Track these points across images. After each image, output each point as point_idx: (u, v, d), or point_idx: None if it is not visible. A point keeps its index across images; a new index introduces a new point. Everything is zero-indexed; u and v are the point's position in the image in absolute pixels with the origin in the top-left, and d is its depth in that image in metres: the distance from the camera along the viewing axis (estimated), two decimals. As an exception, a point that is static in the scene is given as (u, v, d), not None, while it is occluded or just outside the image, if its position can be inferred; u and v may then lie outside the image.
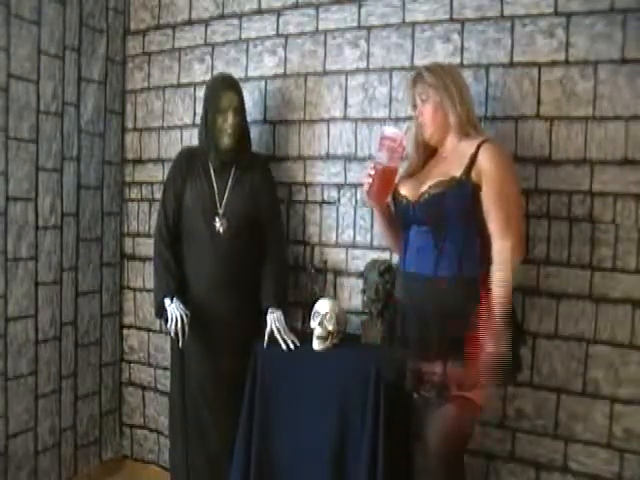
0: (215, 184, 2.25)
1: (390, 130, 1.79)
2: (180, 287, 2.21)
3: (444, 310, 1.67)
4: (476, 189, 1.67)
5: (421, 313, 1.71)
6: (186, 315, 2.13)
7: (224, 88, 2.22)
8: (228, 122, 2.20)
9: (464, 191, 1.67)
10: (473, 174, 1.67)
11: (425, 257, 1.72)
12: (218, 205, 2.23)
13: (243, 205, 2.23)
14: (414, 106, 1.85)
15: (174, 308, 2.13)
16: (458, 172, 1.68)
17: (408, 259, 1.78)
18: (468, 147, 1.71)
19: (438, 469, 1.73)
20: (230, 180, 2.25)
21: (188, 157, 2.30)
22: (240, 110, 2.24)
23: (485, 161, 1.67)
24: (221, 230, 2.21)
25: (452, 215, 1.69)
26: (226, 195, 2.24)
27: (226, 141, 2.22)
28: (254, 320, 2.25)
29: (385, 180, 1.80)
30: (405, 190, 1.81)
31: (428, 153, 1.88)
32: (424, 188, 1.73)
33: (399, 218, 1.85)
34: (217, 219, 2.21)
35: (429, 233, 1.72)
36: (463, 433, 1.75)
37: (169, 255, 2.23)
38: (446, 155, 1.80)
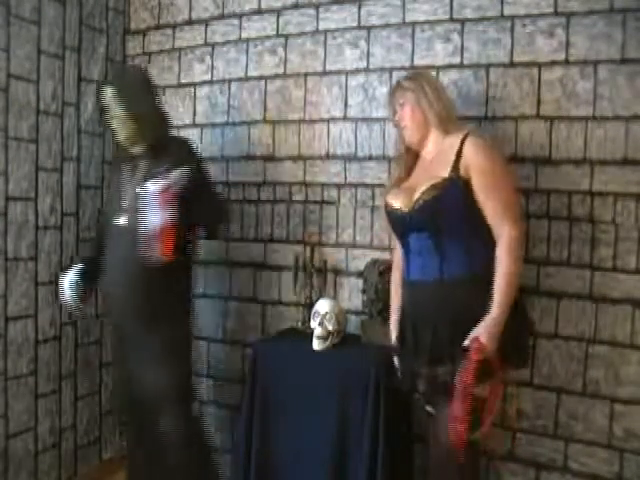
0: (125, 180, 2.16)
1: (154, 186, 1.93)
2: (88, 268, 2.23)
3: (455, 312, 1.65)
4: (467, 184, 1.66)
5: (431, 318, 1.69)
6: (77, 283, 2.18)
7: (99, 89, 2.14)
8: (112, 118, 2.10)
9: (456, 189, 1.66)
10: (461, 169, 1.67)
11: (429, 263, 1.71)
12: (123, 201, 2.12)
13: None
14: (394, 114, 1.87)
15: (64, 276, 2.20)
16: (446, 171, 1.68)
17: (412, 267, 1.77)
18: (452, 143, 1.71)
19: (451, 468, 1.71)
20: (141, 174, 2.12)
21: (115, 159, 2.34)
22: (119, 100, 2.07)
23: (471, 154, 1.67)
24: (124, 225, 2.09)
25: (450, 216, 1.67)
26: (135, 190, 2.09)
27: (116, 136, 2.14)
28: (154, 317, 2.10)
29: (167, 238, 1.94)
30: (397, 201, 1.79)
31: (411, 162, 1.88)
32: (417, 195, 1.72)
33: (395, 228, 1.83)
34: (122, 214, 2.10)
35: (429, 238, 1.70)
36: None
37: (89, 249, 2.36)
38: (431, 158, 1.80)
